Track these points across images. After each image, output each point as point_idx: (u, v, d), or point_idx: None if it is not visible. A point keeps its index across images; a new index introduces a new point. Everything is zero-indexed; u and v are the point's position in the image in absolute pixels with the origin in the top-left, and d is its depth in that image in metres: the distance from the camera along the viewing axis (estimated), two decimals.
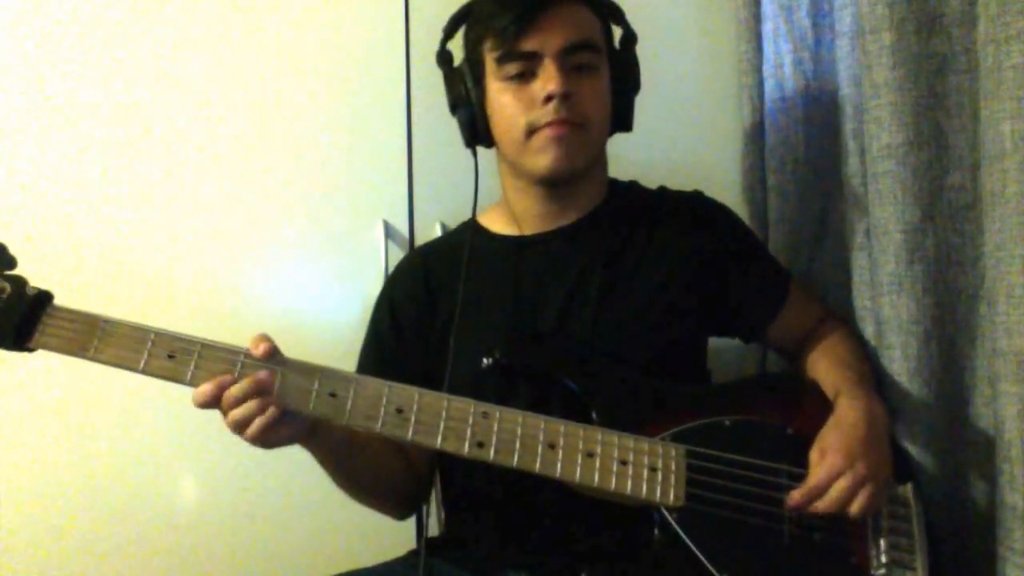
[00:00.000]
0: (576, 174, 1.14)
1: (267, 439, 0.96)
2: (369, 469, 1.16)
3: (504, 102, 1.12)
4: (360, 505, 1.46)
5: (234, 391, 0.93)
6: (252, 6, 1.47)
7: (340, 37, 1.49)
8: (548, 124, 1.09)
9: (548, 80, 1.08)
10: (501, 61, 1.11)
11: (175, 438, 1.45)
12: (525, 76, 1.10)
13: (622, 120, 1.19)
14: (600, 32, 1.14)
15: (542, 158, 1.11)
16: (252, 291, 1.46)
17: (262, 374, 0.94)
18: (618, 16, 1.18)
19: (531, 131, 1.10)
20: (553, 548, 1.09)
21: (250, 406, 0.94)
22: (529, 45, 1.09)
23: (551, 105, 1.08)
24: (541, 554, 1.09)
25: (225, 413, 0.95)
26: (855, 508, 1.00)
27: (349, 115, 1.49)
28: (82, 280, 1.40)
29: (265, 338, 0.97)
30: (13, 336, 0.93)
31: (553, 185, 1.16)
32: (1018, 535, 1.06)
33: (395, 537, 1.40)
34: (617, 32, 1.20)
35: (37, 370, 1.41)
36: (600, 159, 1.21)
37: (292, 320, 1.46)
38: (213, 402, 0.94)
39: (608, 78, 1.14)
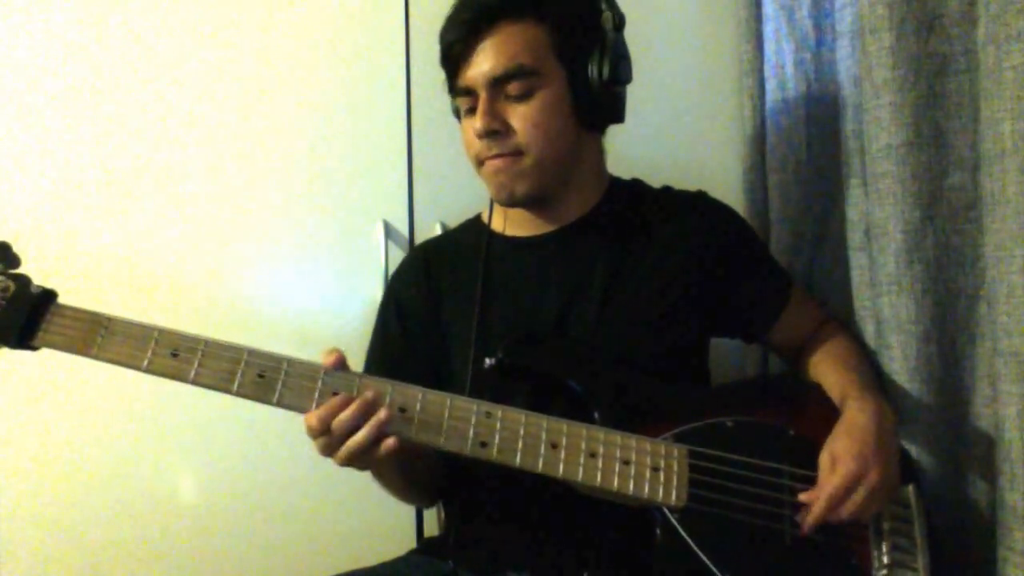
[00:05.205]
0: (531, 198, 1.14)
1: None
2: (423, 472, 1.17)
3: (462, 133, 1.17)
4: (360, 504, 1.47)
5: (345, 415, 0.93)
6: (252, 6, 1.47)
7: (340, 37, 1.48)
8: (485, 159, 1.12)
9: (475, 118, 1.11)
10: (453, 96, 1.17)
11: (176, 438, 1.45)
12: (473, 110, 1.12)
13: (600, 115, 1.16)
14: (541, 45, 1.10)
15: (490, 188, 1.16)
16: (252, 291, 1.46)
17: (370, 393, 0.95)
18: (568, 14, 1.12)
19: (479, 163, 1.14)
20: (554, 548, 1.09)
21: (366, 434, 0.93)
22: (464, 81, 1.12)
23: (483, 141, 1.11)
24: (542, 554, 1.09)
25: (337, 444, 0.94)
26: (867, 514, 1.01)
27: (349, 115, 1.48)
28: (82, 281, 1.40)
29: (335, 350, 0.98)
30: (17, 334, 0.93)
31: (521, 206, 1.17)
32: (1018, 535, 1.07)
33: (395, 537, 1.41)
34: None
35: (38, 369, 1.40)
36: (581, 163, 1.17)
37: (292, 320, 1.45)
38: (324, 429, 0.94)
39: (557, 89, 1.11)
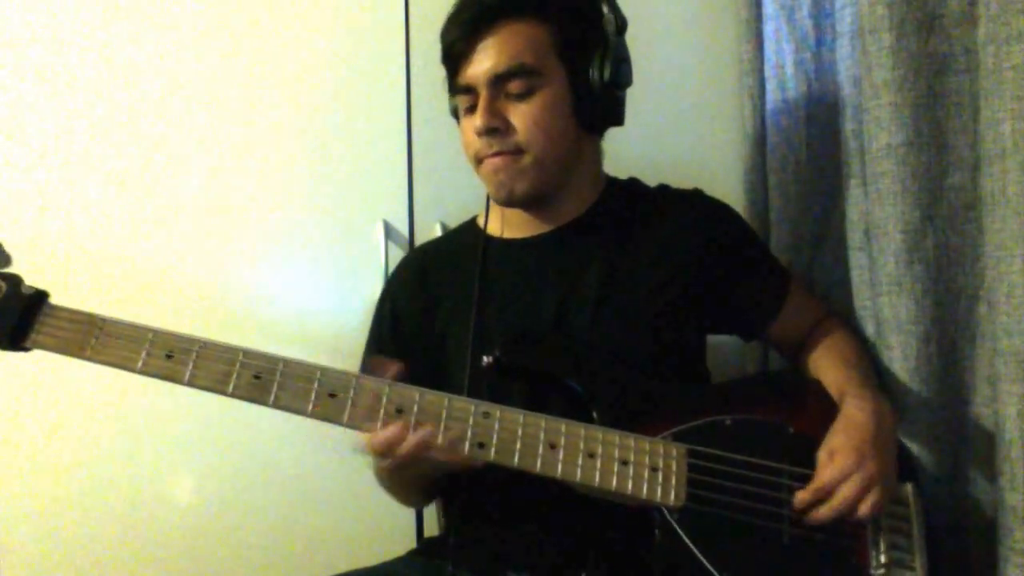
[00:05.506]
0: (531, 197, 1.14)
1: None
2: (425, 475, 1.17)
3: (461, 133, 1.17)
4: (360, 504, 1.47)
5: (404, 448, 0.96)
6: (252, 7, 1.47)
7: (340, 37, 1.49)
8: (485, 157, 1.12)
9: (476, 116, 1.11)
10: (452, 94, 1.17)
11: (175, 438, 1.45)
12: (473, 108, 1.12)
13: (600, 117, 1.16)
14: (543, 44, 1.10)
15: (489, 187, 1.16)
16: (252, 291, 1.46)
17: (427, 432, 0.96)
18: (572, 13, 1.13)
19: (478, 161, 1.14)
20: (554, 548, 1.09)
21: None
22: (465, 79, 1.12)
23: (483, 139, 1.11)
24: (542, 554, 1.09)
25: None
26: (863, 510, 1.00)
27: (349, 115, 1.49)
28: (79, 280, 1.40)
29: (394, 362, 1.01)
30: (9, 335, 0.92)
31: (520, 206, 1.16)
32: (1018, 535, 1.07)
33: (395, 537, 1.41)
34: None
35: (37, 369, 1.41)
36: (579, 165, 1.18)
37: (292, 320, 1.45)
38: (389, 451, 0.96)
39: (558, 89, 1.11)
